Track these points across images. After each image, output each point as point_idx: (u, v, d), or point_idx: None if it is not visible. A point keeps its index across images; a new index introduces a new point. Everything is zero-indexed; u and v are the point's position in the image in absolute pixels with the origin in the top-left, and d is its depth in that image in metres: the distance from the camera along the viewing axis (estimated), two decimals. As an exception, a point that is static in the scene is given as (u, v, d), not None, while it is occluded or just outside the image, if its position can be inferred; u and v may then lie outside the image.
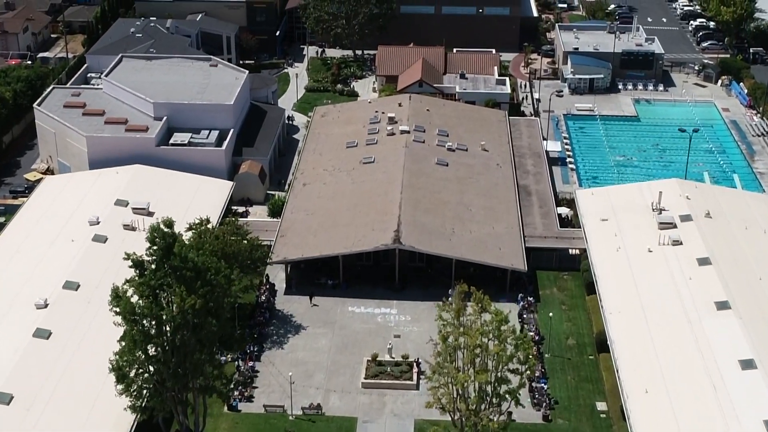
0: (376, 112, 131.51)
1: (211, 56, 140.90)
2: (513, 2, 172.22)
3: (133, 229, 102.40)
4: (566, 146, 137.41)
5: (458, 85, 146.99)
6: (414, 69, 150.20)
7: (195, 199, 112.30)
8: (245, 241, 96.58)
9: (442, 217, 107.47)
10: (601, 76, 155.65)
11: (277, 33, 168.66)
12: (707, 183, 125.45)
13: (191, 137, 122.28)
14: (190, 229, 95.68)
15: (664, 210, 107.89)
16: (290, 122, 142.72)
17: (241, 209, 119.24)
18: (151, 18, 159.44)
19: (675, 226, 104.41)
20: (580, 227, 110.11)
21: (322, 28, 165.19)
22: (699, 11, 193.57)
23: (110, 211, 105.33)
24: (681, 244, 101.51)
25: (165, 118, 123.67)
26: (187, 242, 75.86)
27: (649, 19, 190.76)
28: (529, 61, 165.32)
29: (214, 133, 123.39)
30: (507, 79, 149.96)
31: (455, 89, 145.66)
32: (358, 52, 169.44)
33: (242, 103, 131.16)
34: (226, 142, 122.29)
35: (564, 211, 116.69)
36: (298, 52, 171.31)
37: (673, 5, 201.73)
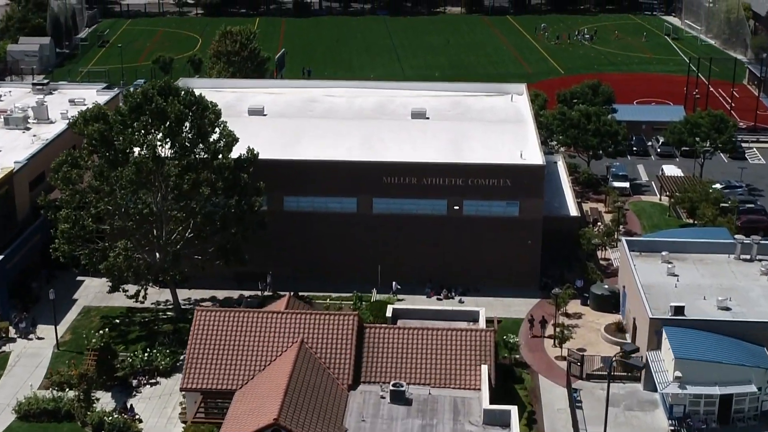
0: None
1: None
2: (527, 190, 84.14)
3: None
4: None
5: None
6: (271, 380, 60.62)
7: None
8: None
9: None
10: (753, 389, 65.95)
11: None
12: None
13: None
14: None
15: None
16: None
17: None
18: None
19: None
20: None
21: (91, 255, 76.46)
22: None
23: None
24: None
25: None
26: None
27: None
28: (566, 330, 76.20)
29: None
30: (513, 412, 59.39)
31: (371, 450, 55.73)
32: (187, 296, 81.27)
33: None
34: None
35: None
36: (64, 294, 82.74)
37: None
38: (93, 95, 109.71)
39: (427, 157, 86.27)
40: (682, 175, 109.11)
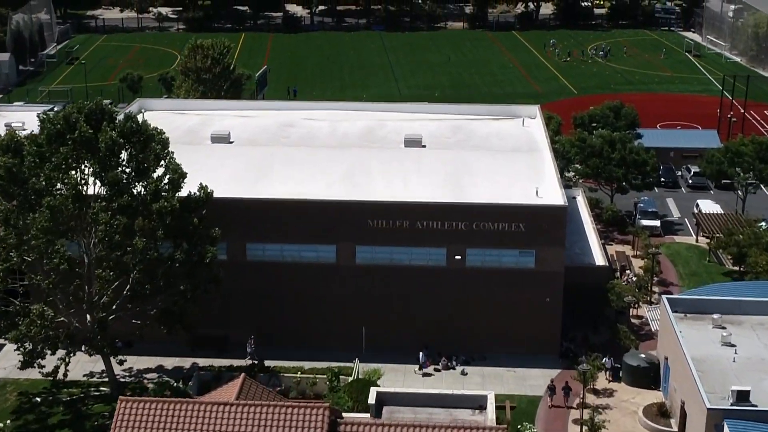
0: None
1: None
2: (545, 237, 69.20)
3: None
4: None
5: None
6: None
7: None
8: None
9: None
10: None
11: None
12: None
13: None
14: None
15: None
16: None
17: None
18: None
19: None
20: None
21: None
22: None
23: None
24: None
25: None
26: None
27: None
28: (596, 415, 61.37)
29: None
30: None
31: None
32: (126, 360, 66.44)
33: None
34: None
35: None
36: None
37: None
38: (34, 118, 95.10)
39: (422, 195, 71.41)
40: (722, 211, 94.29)
